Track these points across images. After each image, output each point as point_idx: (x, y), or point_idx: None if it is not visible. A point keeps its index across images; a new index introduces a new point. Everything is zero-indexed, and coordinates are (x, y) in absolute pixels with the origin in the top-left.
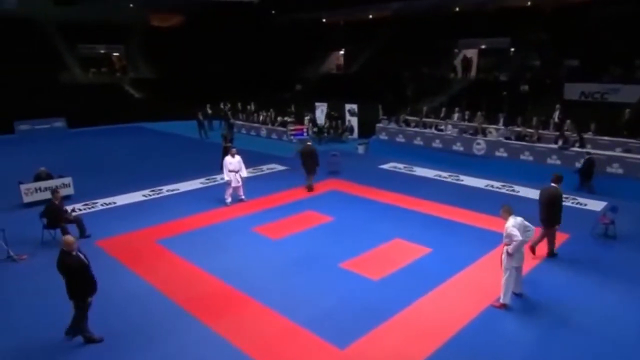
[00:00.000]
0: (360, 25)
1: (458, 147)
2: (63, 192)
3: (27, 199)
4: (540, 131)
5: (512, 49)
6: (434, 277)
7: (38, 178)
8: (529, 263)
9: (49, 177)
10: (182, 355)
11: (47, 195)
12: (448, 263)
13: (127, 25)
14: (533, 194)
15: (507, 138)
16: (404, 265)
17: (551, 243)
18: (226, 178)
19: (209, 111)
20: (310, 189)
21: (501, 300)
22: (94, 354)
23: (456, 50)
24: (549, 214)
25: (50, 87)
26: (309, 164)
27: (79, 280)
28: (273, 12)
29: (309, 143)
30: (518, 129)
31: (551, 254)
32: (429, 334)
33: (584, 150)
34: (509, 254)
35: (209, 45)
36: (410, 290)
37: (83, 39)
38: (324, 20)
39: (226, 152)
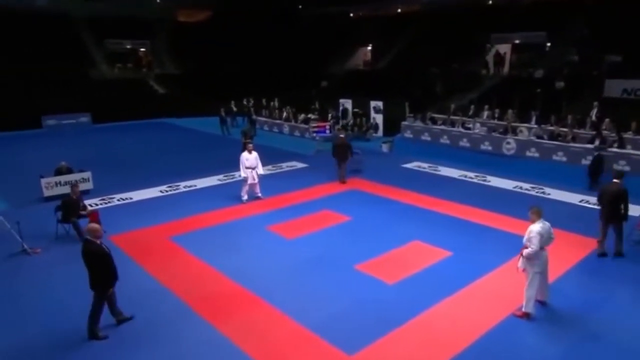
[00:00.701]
0: (388, 19)
1: (486, 146)
2: (82, 186)
3: (47, 193)
4: (576, 130)
5: (549, 44)
6: (453, 282)
7: (58, 172)
8: (558, 269)
9: (69, 171)
10: (184, 357)
11: (67, 189)
12: (468, 268)
13: (154, 21)
14: (565, 196)
15: (539, 137)
16: (422, 269)
17: (619, 241)
18: (243, 175)
19: (234, 108)
20: (343, 181)
21: (523, 309)
22: (94, 351)
23: (488, 46)
24: (616, 211)
25: (77, 83)
26: (341, 153)
27: (102, 269)
28: (300, 6)
29: (341, 135)
30: (551, 127)
31: (619, 254)
32: (444, 342)
33: (623, 150)
34: (526, 258)
35: (235, 41)
36: (427, 295)
37: (110, 34)
38: (351, 14)
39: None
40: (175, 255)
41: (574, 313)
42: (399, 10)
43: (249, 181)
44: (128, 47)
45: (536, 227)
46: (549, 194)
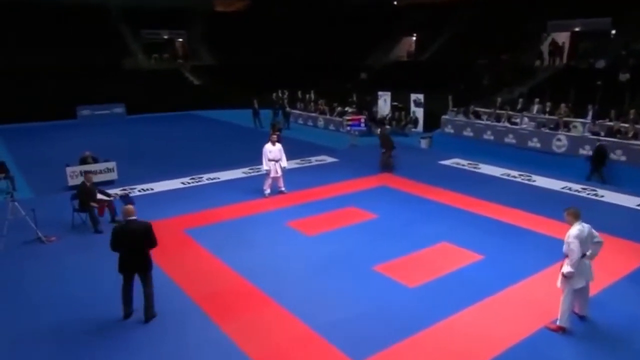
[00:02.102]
0: (434, 7)
1: (534, 143)
2: (107, 176)
3: (72, 182)
4: (638, 126)
5: (613, 31)
6: (481, 288)
7: (83, 161)
8: (603, 280)
9: (94, 160)
10: (181, 355)
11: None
12: (500, 274)
13: (191, 10)
14: (621, 199)
15: (594, 133)
16: (447, 272)
17: None
18: (265, 167)
19: (275, 98)
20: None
21: (558, 322)
22: (93, 341)
23: (544, 34)
24: None
25: (112, 74)
26: (388, 143)
27: (150, 246)
28: None
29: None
30: (610, 123)
31: None
32: (463, 353)
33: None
34: (564, 275)
35: (272, 31)
36: (450, 301)
37: (147, 24)
38: (395, 2)
39: None
40: (188, 249)
41: (617, 330)
42: None
43: (272, 174)
44: (165, 37)
45: (573, 231)
46: (602, 196)
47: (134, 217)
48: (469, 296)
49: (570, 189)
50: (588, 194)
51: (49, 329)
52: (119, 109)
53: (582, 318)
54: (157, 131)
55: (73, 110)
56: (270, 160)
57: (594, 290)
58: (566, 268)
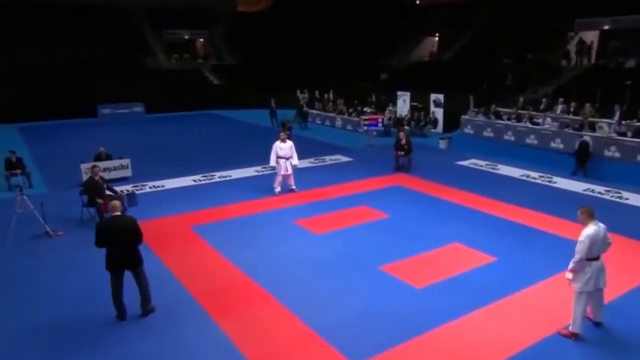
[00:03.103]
0: (458, 6)
1: (557, 144)
2: (121, 173)
3: (86, 178)
4: None
5: None
6: (492, 290)
7: (98, 158)
8: (622, 285)
9: (108, 157)
10: (177, 352)
11: (105, 175)
12: (513, 276)
13: (213, 11)
14: None
15: (621, 134)
16: (457, 273)
17: None
18: (271, 164)
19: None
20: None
21: (570, 328)
22: (91, 335)
23: (571, 33)
24: None
25: (133, 73)
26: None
27: (138, 241)
28: None
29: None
30: (638, 123)
31: None
32: (468, 357)
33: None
34: (571, 271)
35: (293, 31)
36: (458, 303)
37: (169, 24)
38: (417, 1)
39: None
40: (193, 246)
41: (634, 339)
42: None
43: (282, 172)
44: (186, 37)
45: (589, 230)
46: (626, 199)
47: (118, 213)
48: (478, 298)
49: (593, 190)
50: (611, 196)
51: (48, 323)
52: (139, 108)
53: (597, 325)
54: (174, 130)
55: (94, 109)
56: (280, 157)
57: (612, 296)
58: (570, 265)
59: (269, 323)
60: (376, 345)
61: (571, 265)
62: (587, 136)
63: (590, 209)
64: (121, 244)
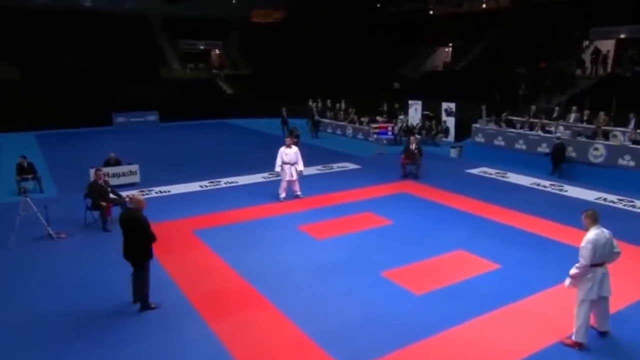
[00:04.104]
0: (472, 16)
1: (569, 152)
2: (129, 179)
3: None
4: None
5: None
6: (494, 298)
7: (107, 164)
8: (629, 294)
9: (117, 163)
10: (164, 352)
11: (115, 180)
12: (517, 284)
13: (228, 22)
14: None
15: (635, 142)
16: (460, 280)
17: None
18: (276, 169)
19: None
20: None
21: (574, 337)
22: (83, 336)
23: (586, 42)
24: None
25: (148, 82)
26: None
27: (140, 239)
28: (378, 5)
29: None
30: None
31: None
32: None
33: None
34: (570, 276)
35: (307, 41)
36: (458, 310)
37: (184, 35)
38: (431, 12)
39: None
40: (193, 249)
41: None
42: (484, 6)
43: (287, 178)
44: (201, 47)
45: (590, 235)
46: None
47: (131, 207)
48: (478, 306)
49: (605, 199)
50: (624, 205)
51: (40, 321)
52: (153, 117)
53: (602, 334)
54: (185, 138)
55: (109, 117)
56: (285, 163)
57: (620, 305)
58: (572, 270)
59: (263, 327)
60: (371, 351)
61: (573, 271)
62: (563, 138)
63: (595, 213)
64: (125, 236)
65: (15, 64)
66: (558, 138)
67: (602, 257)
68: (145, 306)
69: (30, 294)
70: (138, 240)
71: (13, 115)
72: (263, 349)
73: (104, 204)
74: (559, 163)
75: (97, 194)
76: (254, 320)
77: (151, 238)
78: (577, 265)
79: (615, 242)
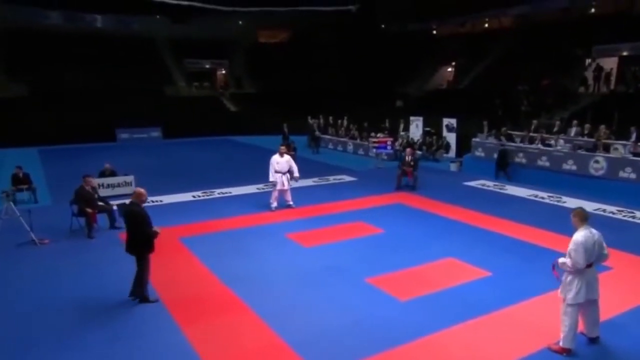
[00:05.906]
0: (474, 36)
1: (570, 165)
2: (124, 190)
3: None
4: None
5: None
6: (482, 305)
7: (102, 174)
8: (623, 302)
9: (112, 174)
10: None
11: (109, 191)
12: (507, 291)
13: (234, 42)
14: None
15: (637, 155)
16: (447, 287)
17: None
18: (271, 179)
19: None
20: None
21: (561, 343)
22: (50, 343)
23: (588, 60)
24: None
25: (152, 100)
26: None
27: (141, 231)
28: (383, 25)
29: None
30: None
31: None
32: None
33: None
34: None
35: (312, 60)
36: (444, 316)
37: (190, 54)
38: (434, 31)
39: None
40: (176, 255)
41: (632, 357)
42: (487, 25)
43: (279, 187)
44: (207, 66)
45: (578, 237)
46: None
47: (133, 200)
48: (464, 312)
49: (604, 210)
50: (623, 216)
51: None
52: (156, 133)
53: (592, 340)
54: (186, 153)
55: (113, 134)
56: (277, 172)
57: (613, 312)
58: (561, 259)
59: (237, 332)
60: (347, 356)
61: (561, 262)
62: (507, 145)
63: (583, 211)
64: (127, 229)
65: (24, 80)
66: (502, 145)
67: (590, 259)
68: (144, 299)
69: (5, 299)
70: (138, 234)
71: (19, 131)
72: (234, 353)
73: (89, 210)
74: (503, 167)
75: (84, 200)
76: (229, 325)
77: (147, 232)
78: (570, 266)
79: (604, 243)
